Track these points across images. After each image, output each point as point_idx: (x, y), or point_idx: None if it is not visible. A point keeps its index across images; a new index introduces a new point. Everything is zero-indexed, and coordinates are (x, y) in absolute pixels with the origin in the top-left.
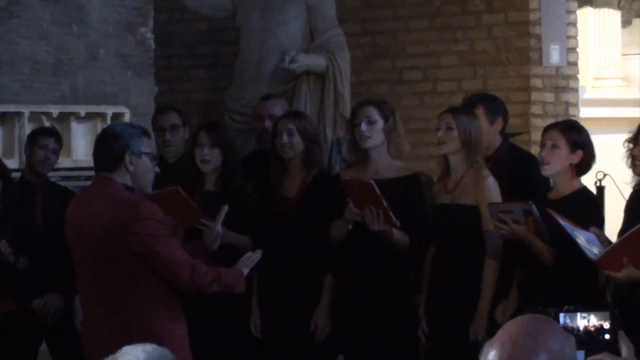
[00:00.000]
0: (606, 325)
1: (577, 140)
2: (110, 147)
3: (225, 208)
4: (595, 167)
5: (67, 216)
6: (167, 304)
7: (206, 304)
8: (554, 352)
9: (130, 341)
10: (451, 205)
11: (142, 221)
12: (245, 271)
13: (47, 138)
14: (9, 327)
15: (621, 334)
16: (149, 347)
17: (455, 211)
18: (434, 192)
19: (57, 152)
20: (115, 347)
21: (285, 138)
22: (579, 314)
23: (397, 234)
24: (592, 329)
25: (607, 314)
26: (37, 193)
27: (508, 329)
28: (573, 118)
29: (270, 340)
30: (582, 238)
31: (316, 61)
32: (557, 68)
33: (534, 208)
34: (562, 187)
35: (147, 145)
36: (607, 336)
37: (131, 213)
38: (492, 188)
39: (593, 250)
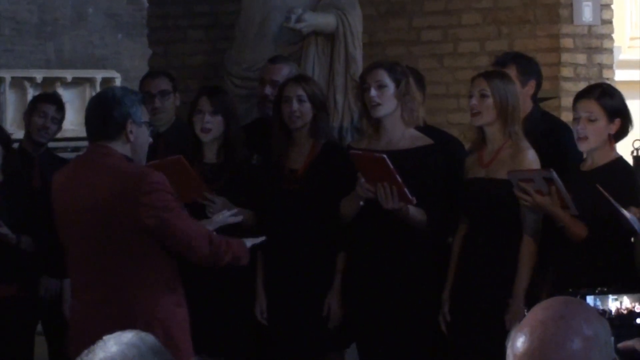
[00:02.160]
0: (638, 308)
1: (614, 108)
2: (111, 113)
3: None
4: (631, 136)
5: (58, 189)
6: (169, 287)
7: (208, 288)
8: (588, 337)
9: (133, 326)
10: (486, 180)
11: (153, 193)
12: (248, 243)
13: (47, 105)
14: (9, 310)
15: None
16: (125, 338)
17: (491, 186)
18: (466, 164)
19: (57, 121)
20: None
21: (295, 105)
22: (610, 296)
23: (413, 211)
24: (625, 311)
25: (638, 296)
26: (36, 165)
27: (538, 313)
28: (607, 81)
29: (277, 327)
30: (629, 215)
31: (325, 20)
32: (590, 27)
33: (555, 175)
34: (598, 158)
35: (146, 114)
36: (638, 320)
37: (140, 185)
38: (532, 162)
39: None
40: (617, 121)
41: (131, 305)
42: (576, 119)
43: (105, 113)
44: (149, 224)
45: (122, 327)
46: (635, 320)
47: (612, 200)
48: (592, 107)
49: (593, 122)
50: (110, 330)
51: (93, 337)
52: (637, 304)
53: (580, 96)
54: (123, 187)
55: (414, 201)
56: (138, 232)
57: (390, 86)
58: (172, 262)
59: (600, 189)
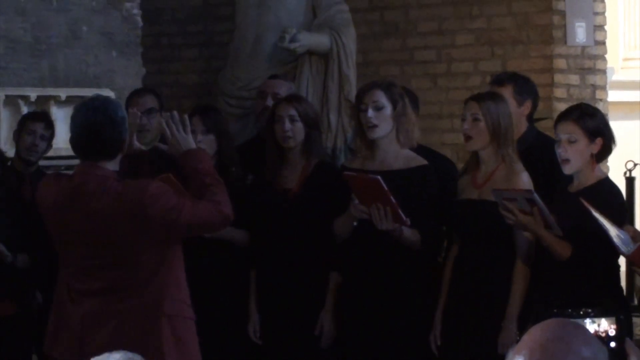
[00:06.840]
0: (612, 331)
1: (594, 128)
2: (120, 132)
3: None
4: (625, 156)
5: (51, 208)
6: (178, 283)
7: (200, 308)
8: (587, 359)
9: (142, 321)
10: (479, 202)
11: (156, 202)
12: (192, 143)
13: (36, 123)
14: (7, 330)
15: (628, 342)
16: (113, 358)
17: (484, 208)
18: (460, 185)
19: (46, 139)
20: (118, 338)
21: (287, 125)
22: (588, 319)
23: (407, 232)
24: (603, 334)
25: (613, 319)
26: (27, 183)
27: (536, 334)
28: (600, 102)
29: (270, 347)
30: (614, 232)
31: (319, 40)
32: (583, 47)
33: (536, 196)
34: (583, 179)
35: None
36: (612, 344)
37: (142, 201)
38: (526, 185)
39: (624, 246)
40: (599, 141)
41: (141, 301)
42: (557, 142)
43: (115, 132)
44: (165, 230)
45: (132, 322)
46: (609, 343)
47: (597, 216)
48: (571, 129)
49: (573, 144)
50: (121, 325)
51: (104, 333)
52: (612, 327)
53: (559, 118)
54: (126, 209)
55: (408, 222)
56: (152, 240)
57: (388, 107)
58: (180, 259)
59: (585, 203)
